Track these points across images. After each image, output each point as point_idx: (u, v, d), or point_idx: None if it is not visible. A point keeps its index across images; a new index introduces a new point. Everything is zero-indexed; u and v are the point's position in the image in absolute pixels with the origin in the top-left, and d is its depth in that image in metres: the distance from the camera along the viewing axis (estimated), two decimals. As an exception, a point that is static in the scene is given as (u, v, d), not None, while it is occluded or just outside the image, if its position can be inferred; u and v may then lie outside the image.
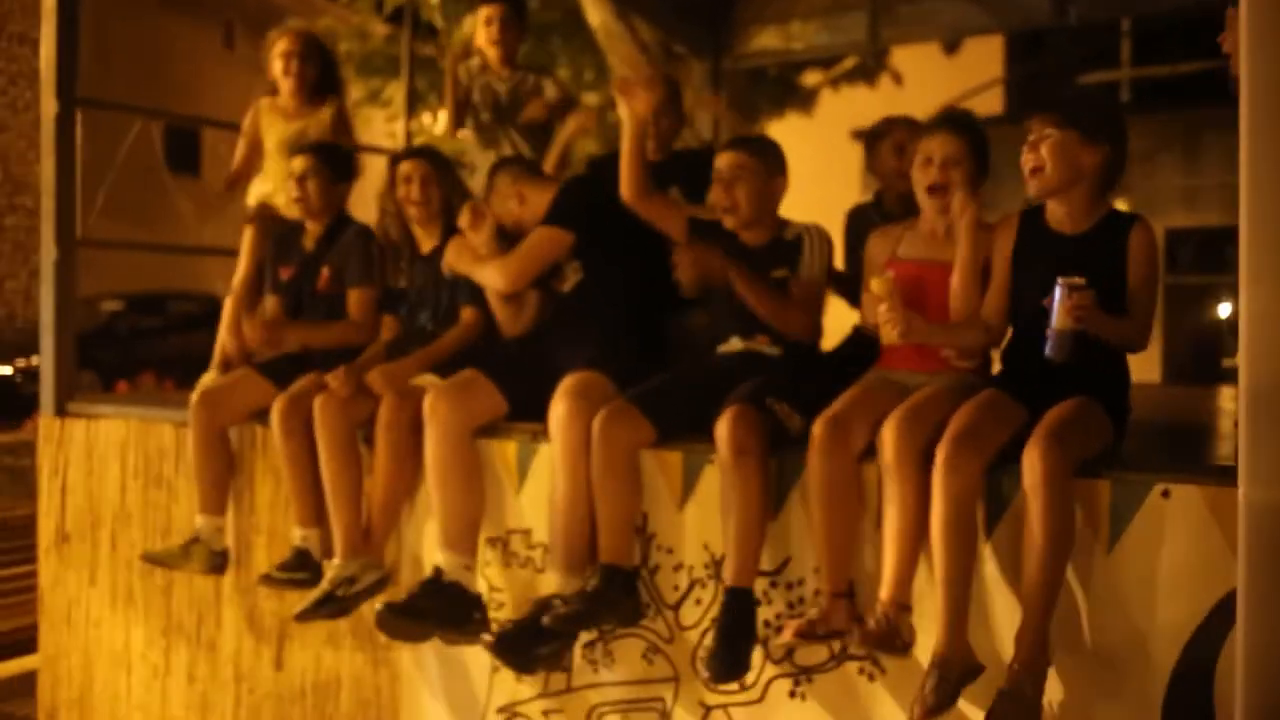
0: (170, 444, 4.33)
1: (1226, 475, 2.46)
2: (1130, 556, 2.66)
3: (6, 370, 13.18)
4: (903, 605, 2.76)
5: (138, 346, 14.34)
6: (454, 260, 3.85)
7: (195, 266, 15.04)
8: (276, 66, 4.59)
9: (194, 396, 4.01)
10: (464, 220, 3.81)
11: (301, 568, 3.77)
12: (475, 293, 3.86)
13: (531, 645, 3.19)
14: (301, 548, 3.80)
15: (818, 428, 2.88)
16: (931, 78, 13.33)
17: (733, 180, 3.38)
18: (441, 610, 3.40)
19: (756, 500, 2.98)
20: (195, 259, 15.16)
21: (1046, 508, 2.55)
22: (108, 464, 4.55)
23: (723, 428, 2.99)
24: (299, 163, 4.17)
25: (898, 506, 2.76)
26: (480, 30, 4.88)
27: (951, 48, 13.73)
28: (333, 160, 4.25)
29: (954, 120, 3.15)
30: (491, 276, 3.73)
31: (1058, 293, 2.65)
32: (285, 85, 4.60)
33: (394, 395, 3.60)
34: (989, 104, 14.21)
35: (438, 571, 3.45)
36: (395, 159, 4.16)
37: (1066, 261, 2.73)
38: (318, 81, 4.63)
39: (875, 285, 2.99)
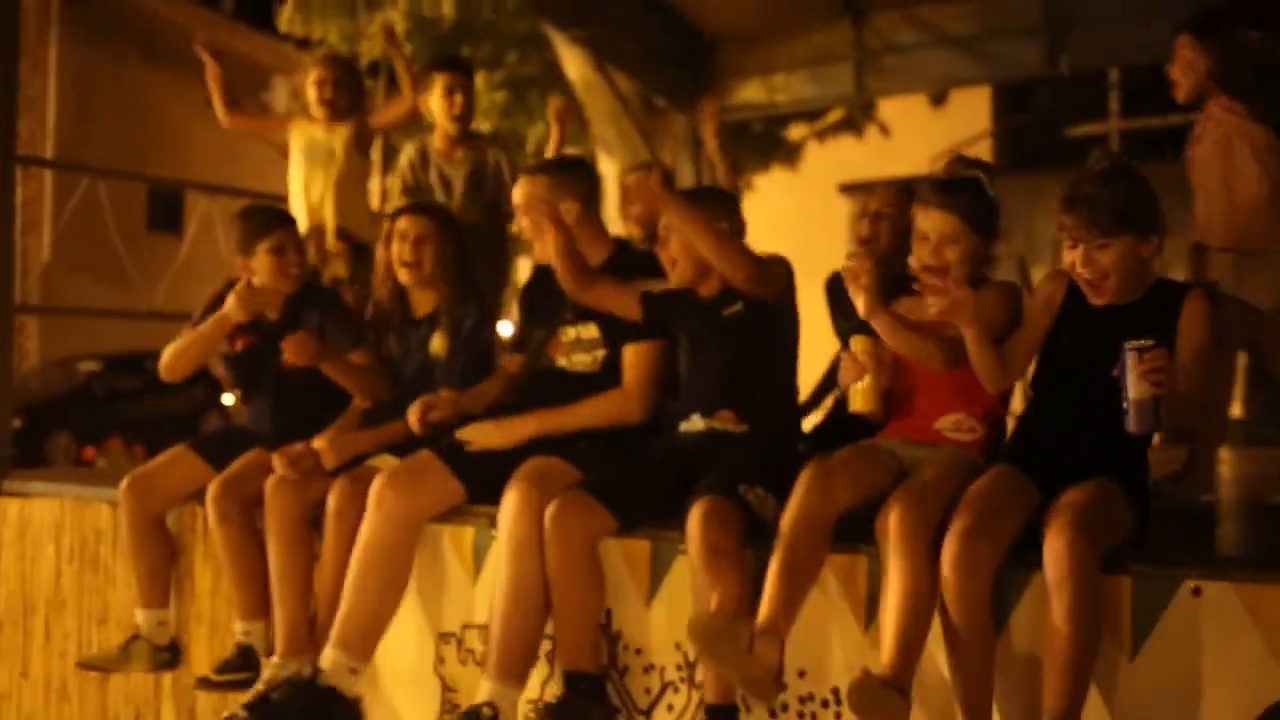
0: (107, 525, 4.02)
1: (1266, 571, 2.16)
2: (1156, 663, 2.35)
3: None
4: (902, 690, 2.42)
5: (114, 409, 14.01)
6: (528, 429, 3.28)
7: (174, 327, 14.74)
8: (311, 93, 4.60)
9: (124, 480, 3.68)
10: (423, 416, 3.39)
11: (245, 666, 3.43)
12: (465, 376, 3.53)
13: None
14: (244, 644, 3.47)
15: (806, 472, 2.61)
16: (918, 130, 13.19)
17: (665, 238, 3.18)
18: (306, 714, 3.01)
19: (736, 603, 2.66)
20: (175, 318, 14.84)
21: (1075, 606, 2.26)
22: (41, 546, 4.23)
23: (693, 524, 2.69)
24: (277, 238, 3.73)
25: (902, 591, 2.45)
26: (439, 102, 4.56)
27: (938, 100, 13.60)
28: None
29: (949, 190, 2.85)
30: (625, 413, 3.24)
31: (1127, 359, 2.39)
32: (318, 111, 4.60)
33: (346, 480, 3.28)
34: (977, 156, 14.06)
35: (315, 671, 3.09)
36: (396, 213, 3.79)
37: (1113, 332, 2.48)
38: (349, 105, 4.64)
39: (854, 343, 2.81)
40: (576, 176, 3.44)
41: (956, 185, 2.87)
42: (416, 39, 9.55)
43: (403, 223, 3.64)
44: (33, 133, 15.10)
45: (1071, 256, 2.60)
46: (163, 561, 3.71)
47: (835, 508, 2.61)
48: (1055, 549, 2.29)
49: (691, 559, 2.71)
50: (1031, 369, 2.78)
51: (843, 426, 3.21)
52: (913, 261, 2.90)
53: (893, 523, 2.48)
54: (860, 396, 2.83)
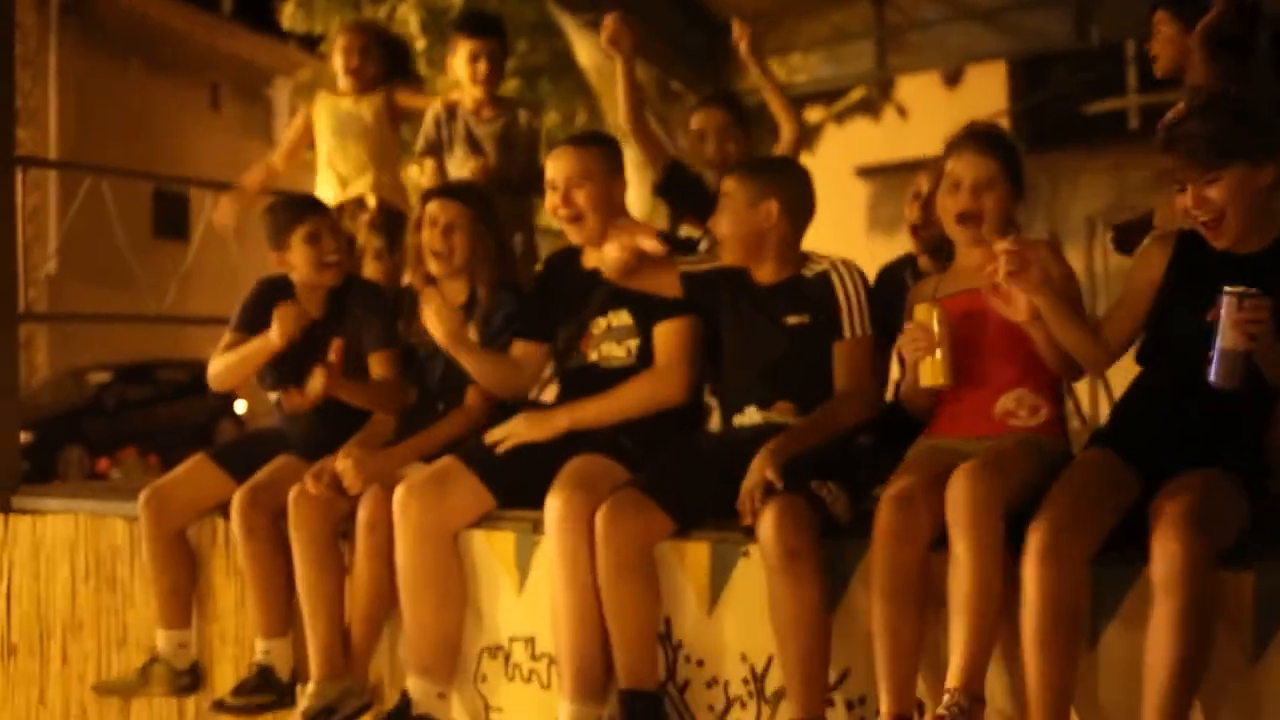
0: (124, 542, 3.81)
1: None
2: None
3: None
4: (976, 697, 2.24)
5: (127, 419, 13.90)
6: (561, 423, 3.08)
7: (182, 333, 14.63)
8: (337, 62, 4.52)
9: (142, 495, 3.47)
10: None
11: (265, 688, 3.24)
12: None
13: None
14: (265, 664, 3.27)
15: (884, 512, 2.37)
16: (934, 112, 12.92)
17: (720, 209, 2.95)
18: None
19: (817, 609, 2.47)
20: (182, 325, 14.77)
21: (1185, 612, 2.04)
22: (56, 566, 4.02)
23: (767, 526, 2.47)
24: (310, 225, 3.50)
25: (970, 574, 2.25)
26: (464, 68, 4.34)
27: (953, 80, 13.36)
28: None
29: (982, 137, 2.68)
30: (662, 393, 3.04)
31: (1224, 304, 2.17)
32: (344, 81, 4.50)
33: (378, 490, 3.07)
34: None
35: (406, 701, 2.93)
36: (426, 196, 3.53)
37: (1234, 284, 2.24)
38: (378, 74, 4.51)
39: (920, 312, 2.58)
40: (619, 152, 3.24)
41: (990, 133, 2.72)
42: (430, 30, 9.34)
43: (433, 207, 3.39)
44: (35, 142, 14.93)
45: (1182, 202, 2.38)
46: (184, 579, 3.51)
47: (927, 542, 2.38)
48: (1167, 547, 2.06)
49: (768, 562, 2.49)
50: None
51: (900, 415, 2.99)
52: (944, 205, 2.72)
53: (959, 496, 2.27)
54: (931, 369, 2.59)
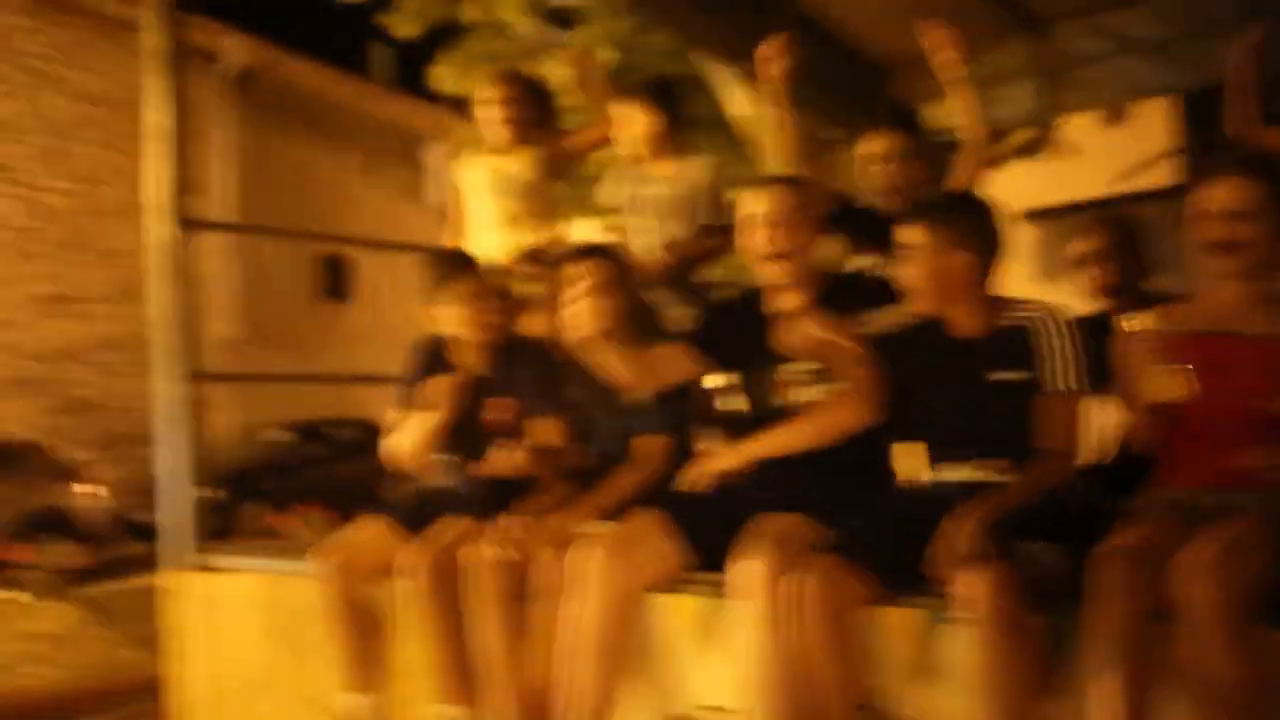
0: (304, 601, 3.79)
1: None
2: None
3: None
4: None
5: (303, 475, 14.32)
6: (758, 450, 3.03)
7: (355, 393, 15.03)
8: (491, 115, 4.23)
9: (325, 557, 3.47)
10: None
11: (447, 758, 3.19)
12: (662, 419, 3.26)
13: None
14: (447, 733, 3.23)
15: (1110, 569, 2.21)
16: (1097, 151, 12.53)
17: (906, 259, 2.81)
18: None
19: (1031, 682, 2.31)
20: (355, 385, 15.22)
21: None
22: (236, 624, 4.06)
23: (978, 595, 2.32)
24: (466, 283, 3.54)
25: (1210, 678, 2.07)
26: (625, 126, 4.23)
27: (1115, 117, 12.93)
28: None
29: (1246, 162, 2.49)
30: (850, 416, 2.90)
31: None
32: (501, 134, 4.24)
33: (556, 551, 3.02)
34: (1159, 175, 13.29)
35: None
36: (563, 258, 3.52)
37: None
38: (535, 123, 4.26)
39: (1136, 321, 2.51)
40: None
41: (1256, 158, 2.54)
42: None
43: (574, 269, 3.37)
44: (203, 210, 15.49)
45: None
46: (368, 641, 3.48)
47: (1149, 607, 2.21)
48: None
49: (980, 634, 2.34)
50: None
51: (1127, 467, 2.81)
52: (1198, 234, 2.51)
53: (1194, 597, 2.08)
54: (1173, 379, 2.44)
